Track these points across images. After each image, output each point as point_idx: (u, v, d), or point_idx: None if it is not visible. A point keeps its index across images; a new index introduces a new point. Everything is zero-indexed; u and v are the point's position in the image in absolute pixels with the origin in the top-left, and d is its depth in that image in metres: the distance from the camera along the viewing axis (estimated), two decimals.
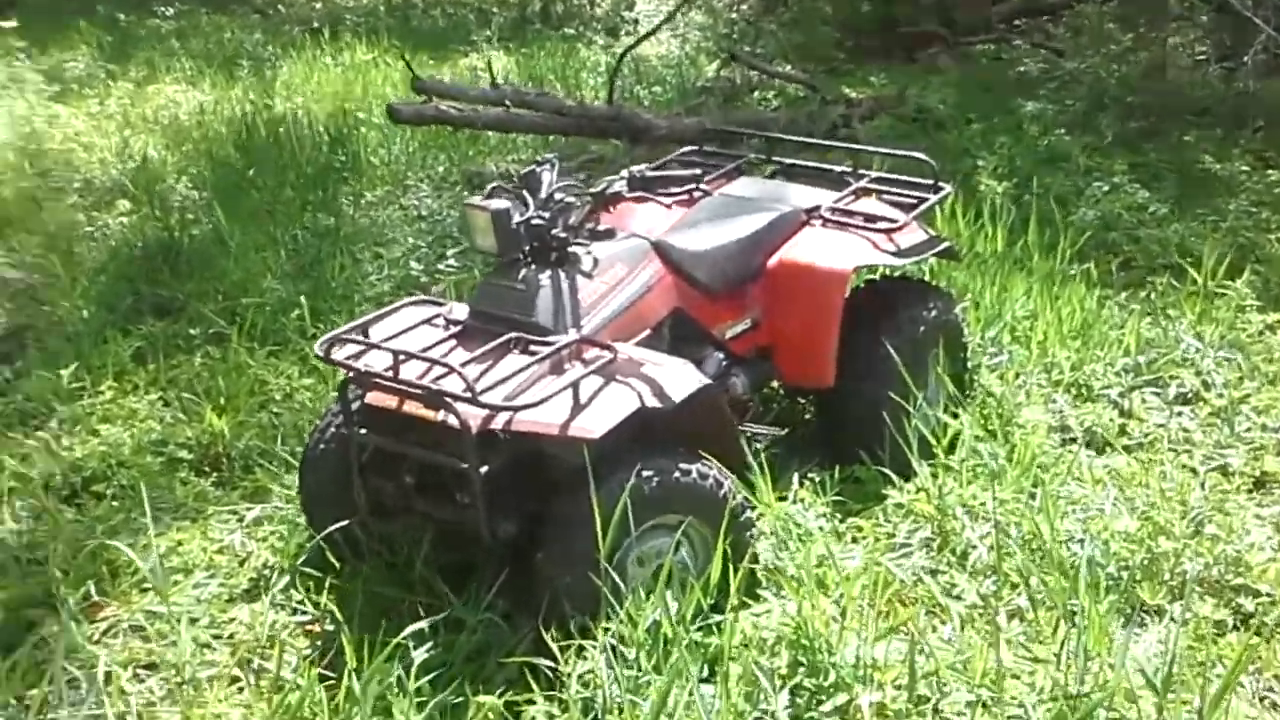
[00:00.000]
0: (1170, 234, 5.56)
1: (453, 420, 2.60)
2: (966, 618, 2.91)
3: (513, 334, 2.83)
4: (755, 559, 2.87)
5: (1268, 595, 3.00)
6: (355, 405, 2.89)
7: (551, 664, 2.55)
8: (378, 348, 2.81)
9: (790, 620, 2.67)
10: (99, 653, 2.76)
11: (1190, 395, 4.05)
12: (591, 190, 3.17)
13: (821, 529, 3.19)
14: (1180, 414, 3.92)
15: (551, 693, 2.54)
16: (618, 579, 2.61)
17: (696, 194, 3.74)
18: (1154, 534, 3.15)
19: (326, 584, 2.88)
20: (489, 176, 6.22)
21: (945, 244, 3.92)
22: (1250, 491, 3.54)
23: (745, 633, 2.71)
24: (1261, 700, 2.72)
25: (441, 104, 6.22)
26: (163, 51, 10.06)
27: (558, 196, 3.05)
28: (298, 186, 6.12)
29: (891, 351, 3.45)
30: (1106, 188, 6.16)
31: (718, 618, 2.69)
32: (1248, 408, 3.92)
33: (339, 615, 2.73)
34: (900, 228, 3.67)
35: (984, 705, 2.49)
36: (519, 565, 2.74)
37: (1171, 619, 2.92)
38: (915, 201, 3.87)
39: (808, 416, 3.95)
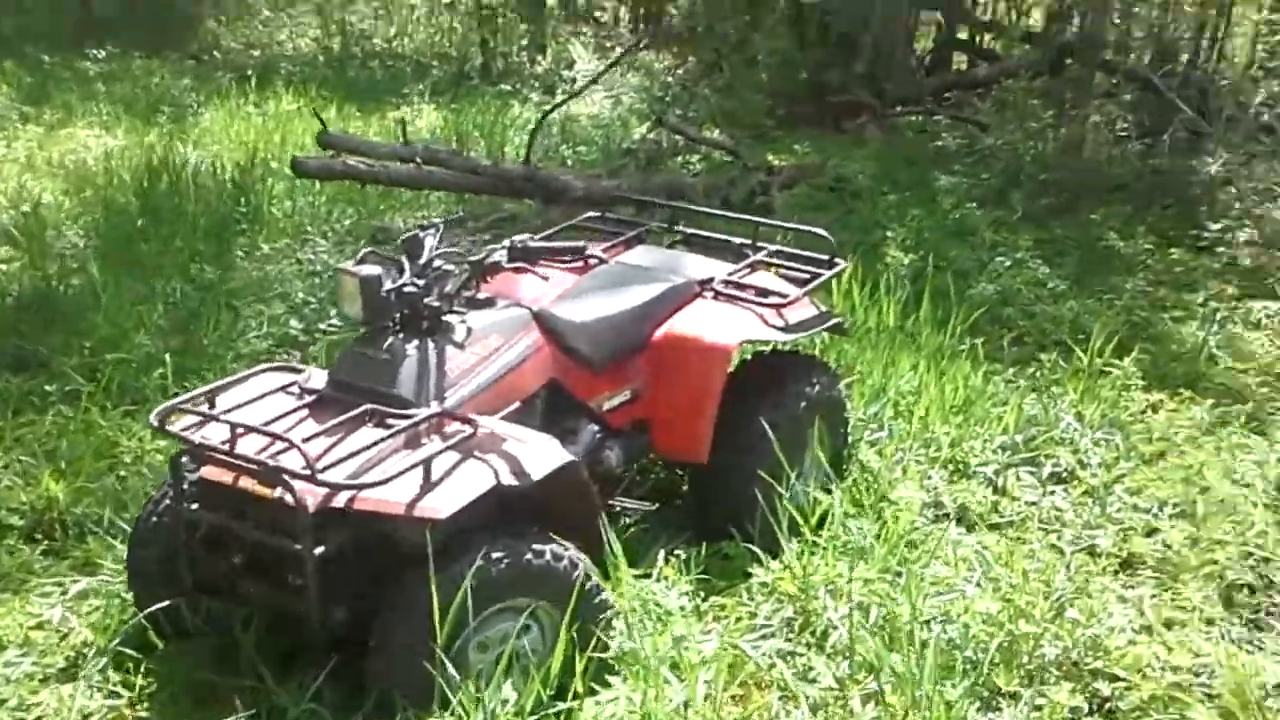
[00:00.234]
0: (1065, 311, 5.66)
1: (289, 498, 2.51)
2: (820, 702, 2.86)
3: (369, 406, 2.75)
4: (605, 646, 2.78)
5: (1124, 681, 2.98)
6: (189, 479, 2.78)
7: None
8: (215, 419, 2.72)
9: (635, 710, 2.60)
10: None
11: (1065, 474, 4.06)
12: (470, 259, 3.12)
13: (683, 608, 3.13)
14: (1053, 493, 3.94)
15: None
16: (455, 668, 2.50)
17: (591, 261, 3.71)
18: (1014, 616, 3.13)
19: (144, 666, 2.75)
20: (396, 232, 6.15)
21: (835, 320, 3.95)
22: (1116, 572, 3.55)
23: None
24: None
25: (349, 159, 6.17)
26: (83, 95, 9.91)
27: (435, 263, 3.00)
28: (190, 237, 5.99)
29: (768, 428, 3.42)
30: (1009, 263, 6.28)
31: (562, 706, 2.62)
32: (1121, 488, 3.95)
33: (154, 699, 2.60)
34: (791, 303, 3.68)
35: None
36: (351, 651, 2.64)
37: (1026, 704, 2.88)
38: (810, 276, 3.88)
39: (685, 488, 3.90)
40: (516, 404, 3.11)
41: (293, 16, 13.97)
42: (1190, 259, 6.60)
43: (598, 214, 4.56)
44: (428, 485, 2.54)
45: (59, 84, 10.43)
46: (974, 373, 4.60)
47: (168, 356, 4.36)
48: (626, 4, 15.19)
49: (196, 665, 2.83)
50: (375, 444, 2.61)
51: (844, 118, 9.34)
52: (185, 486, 2.77)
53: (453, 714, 2.48)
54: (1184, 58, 8.99)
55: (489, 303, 3.11)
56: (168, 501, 2.88)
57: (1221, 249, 6.67)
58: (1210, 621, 3.29)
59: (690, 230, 4.33)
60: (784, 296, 3.68)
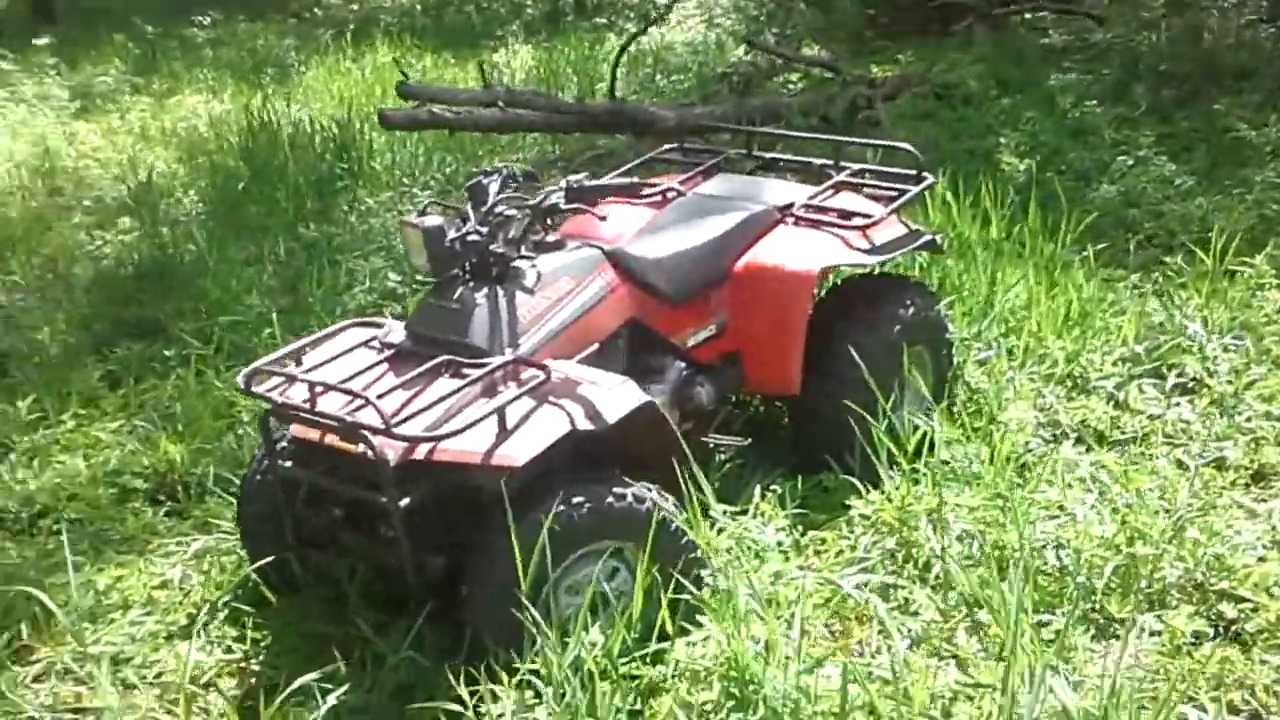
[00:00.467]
0: (1193, 208, 5.30)
1: (370, 453, 2.53)
2: (923, 635, 2.77)
3: (445, 357, 2.75)
4: (699, 583, 2.75)
5: (1250, 601, 2.80)
6: (281, 438, 2.84)
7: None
8: (296, 379, 2.75)
9: (722, 650, 2.56)
10: (26, 698, 2.74)
11: (1192, 384, 3.82)
12: (530, 203, 3.07)
13: (780, 544, 3.07)
14: (1178, 404, 3.70)
15: None
16: (541, 613, 2.49)
17: (670, 194, 3.62)
18: (1132, 538, 2.97)
19: (258, 621, 2.83)
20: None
21: (927, 237, 3.77)
22: (1247, 485, 3.34)
23: (680, 663, 2.60)
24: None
25: (435, 108, 6.15)
26: (190, 62, 10.17)
27: (498, 209, 2.96)
28: (294, 196, 6.10)
29: (860, 355, 3.30)
30: (1132, 161, 5.91)
31: (651, 648, 2.60)
32: (1251, 395, 3.69)
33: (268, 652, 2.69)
34: (877, 223, 3.53)
35: None
36: (447, 599, 2.67)
37: (1143, 630, 2.74)
38: (898, 194, 3.72)
39: (786, 421, 3.81)
40: (595, 345, 3.07)
41: None
42: None
43: (675, 145, 4.45)
44: (503, 434, 2.53)
45: (166, 53, 10.73)
46: (1088, 282, 4.35)
47: (275, 316, 4.46)
48: None
49: (305, 617, 2.91)
50: (450, 395, 2.61)
51: (949, 21, 8.91)
52: (279, 445, 2.84)
53: (540, 657, 2.48)
54: None
55: (559, 245, 3.05)
56: (267, 460, 2.96)
57: None
58: None
59: (769, 154, 4.19)
60: (869, 217, 3.53)
